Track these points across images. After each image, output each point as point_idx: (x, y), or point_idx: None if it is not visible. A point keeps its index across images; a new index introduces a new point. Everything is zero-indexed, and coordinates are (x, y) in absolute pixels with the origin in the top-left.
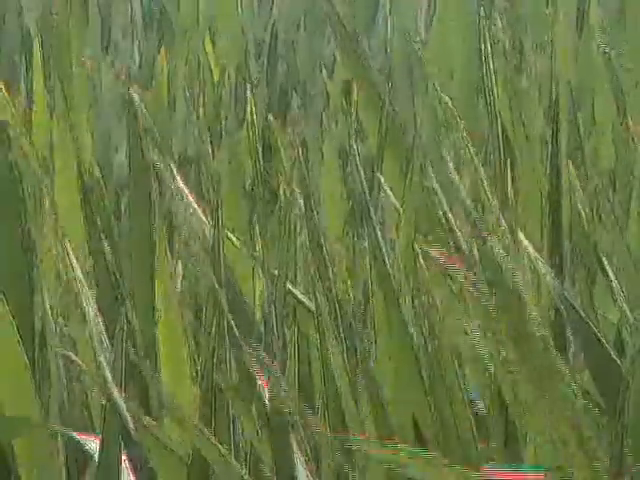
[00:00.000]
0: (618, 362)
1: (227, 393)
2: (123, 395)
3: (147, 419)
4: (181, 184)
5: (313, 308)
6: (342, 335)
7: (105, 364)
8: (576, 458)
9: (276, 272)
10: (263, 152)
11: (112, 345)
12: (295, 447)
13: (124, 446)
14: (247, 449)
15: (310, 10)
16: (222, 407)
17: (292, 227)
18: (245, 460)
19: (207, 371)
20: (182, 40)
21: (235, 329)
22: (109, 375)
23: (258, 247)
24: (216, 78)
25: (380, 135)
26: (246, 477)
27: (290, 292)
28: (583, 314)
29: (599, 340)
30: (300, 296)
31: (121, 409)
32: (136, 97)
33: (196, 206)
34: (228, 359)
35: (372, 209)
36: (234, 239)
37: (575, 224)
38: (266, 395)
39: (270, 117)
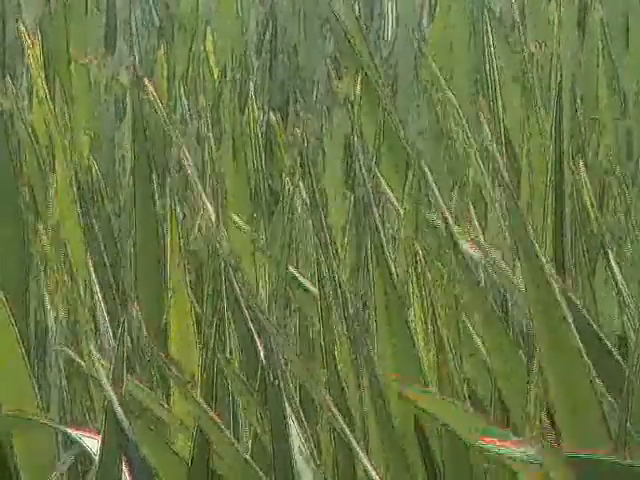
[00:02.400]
0: (620, 362)
1: (227, 371)
2: (124, 392)
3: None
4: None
5: (314, 291)
6: (345, 320)
7: (103, 361)
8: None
9: (278, 257)
10: (265, 149)
11: (115, 337)
12: (293, 428)
13: (124, 445)
14: (247, 429)
15: (310, 6)
16: (223, 388)
17: (294, 218)
18: (246, 440)
19: (209, 350)
20: (182, 38)
21: (240, 298)
22: (107, 372)
23: (261, 235)
24: (216, 76)
25: (379, 135)
26: (246, 456)
27: (293, 276)
28: (585, 312)
29: (600, 338)
30: (301, 279)
31: (117, 409)
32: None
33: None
34: (230, 335)
35: (374, 207)
36: (238, 220)
37: (578, 220)
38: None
39: (271, 115)
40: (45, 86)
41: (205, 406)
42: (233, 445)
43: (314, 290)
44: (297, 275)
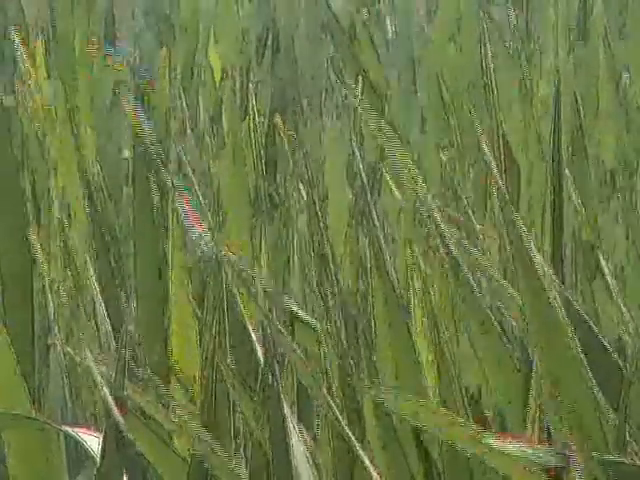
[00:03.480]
0: (619, 363)
1: (227, 376)
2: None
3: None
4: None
5: (311, 322)
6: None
7: (102, 360)
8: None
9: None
10: (266, 153)
11: (116, 338)
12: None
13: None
14: (247, 436)
15: (310, 8)
16: (223, 394)
17: (294, 228)
18: (244, 446)
19: (209, 355)
20: (182, 41)
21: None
22: (106, 375)
23: (258, 259)
24: (217, 79)
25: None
26: (243, 471)
27: (290, 311)
28: (584, 314)
29: (599, 340)
30: (299, 312)
31: (113, 409)
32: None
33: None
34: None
35: (373, 210)
36: (234, 257)
37: (577, 222)
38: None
39: (277, 118)
40: (48, 83)
41: (204, 432)
42: (233, 472)
43: (313, 323)
44: (295, 310)
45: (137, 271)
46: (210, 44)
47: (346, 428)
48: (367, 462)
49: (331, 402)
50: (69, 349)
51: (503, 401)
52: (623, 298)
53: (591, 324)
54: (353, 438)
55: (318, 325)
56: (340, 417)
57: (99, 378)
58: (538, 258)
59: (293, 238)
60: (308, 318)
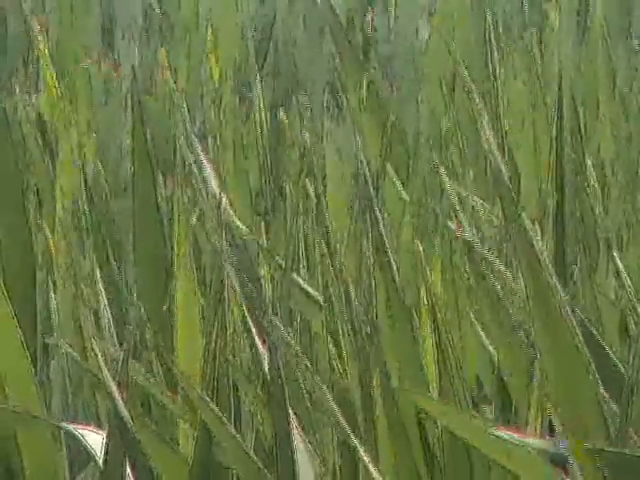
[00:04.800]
0: (618, 364)
1: (232, 367)
2: (126, 393)
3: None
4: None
5: (318, 298)
6: (348, 325)
7: (108, 361)
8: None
9: (282, 262)
10: (269, 150)
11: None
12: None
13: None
14: (249, 421)
15: (310, 8)
16: (225, 386)
17: (299, 219)
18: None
19: (213, 345)
20: (182, 40)
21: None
22: (112, 373)
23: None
24: (217, 77)
25: (382, 139)
26: (249, 450)
27: (296, 283)
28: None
29: (601, 342)
30: (305, 286)
31: (120, 408)
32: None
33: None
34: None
35: (376, 206)
36: (241, 226)
37: (579, 215)
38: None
39: (281, 113)
40: (55, 82)
41: (208, 400)
42: (235, 438)
43: (318, 297)
44: (301, 282)
45: (138, 266)
46: (210, 41)
47: (347, 429)
48: (367, 461)
49: (333, 406)
50: (71, 349)
51: (511, 386)
52: (626, 286)
53: (593, 330)
54: (358, 443)
55: (319, 297)
56: (342, 420)
57: (105, 372)
58: (542, 253)
59: (298, 234)
60: (316, 294)
